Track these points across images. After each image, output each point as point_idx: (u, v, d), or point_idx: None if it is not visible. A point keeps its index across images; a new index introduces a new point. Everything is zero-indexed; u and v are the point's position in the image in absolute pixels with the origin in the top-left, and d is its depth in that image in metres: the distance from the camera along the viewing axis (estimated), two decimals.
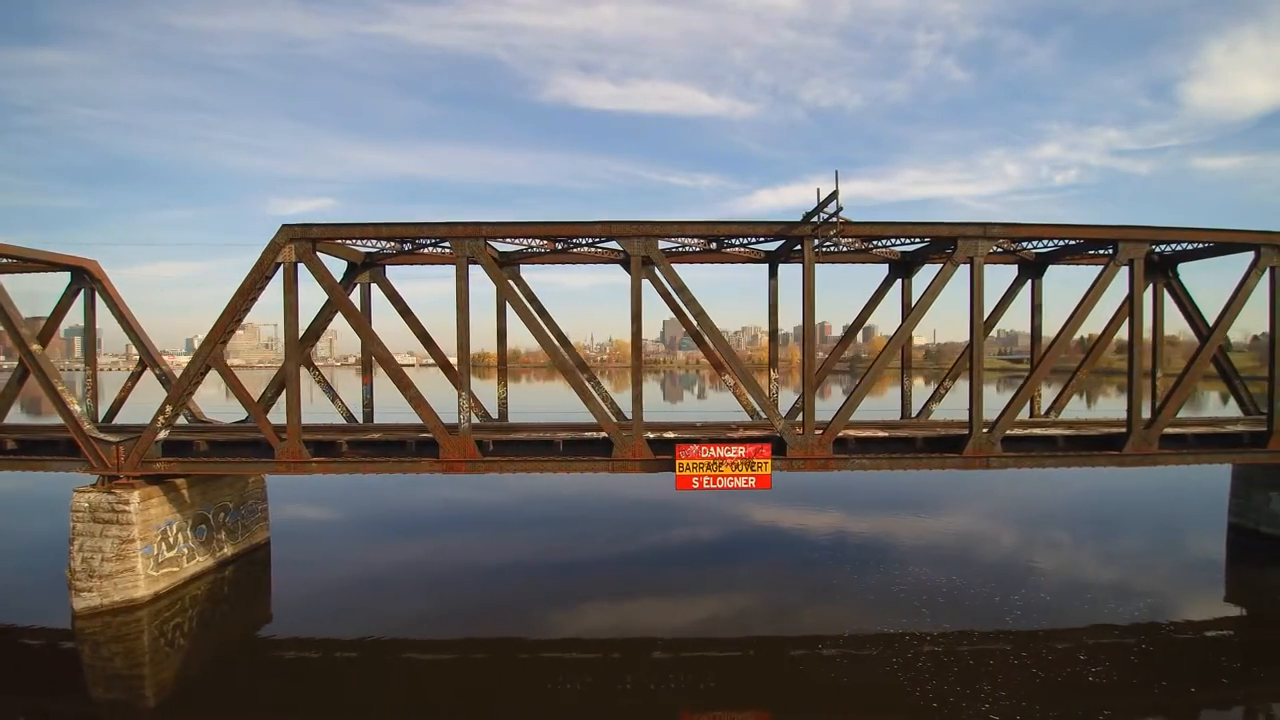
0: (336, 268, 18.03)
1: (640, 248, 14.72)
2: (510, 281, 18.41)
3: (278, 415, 15.97)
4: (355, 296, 18.27)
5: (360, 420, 18.51)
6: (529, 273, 19.52)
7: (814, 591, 15.94)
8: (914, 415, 18.83)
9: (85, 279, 19.19)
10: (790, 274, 27.03)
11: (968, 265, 15.16)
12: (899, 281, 18.70)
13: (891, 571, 16.88)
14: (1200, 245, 17.42)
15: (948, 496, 25.76)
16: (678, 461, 14.69)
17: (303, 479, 17.54)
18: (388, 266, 18.39)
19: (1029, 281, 18.91)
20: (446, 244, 16.23)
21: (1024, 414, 19.59)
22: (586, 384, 14.86)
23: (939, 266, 15.11)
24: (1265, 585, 16.94)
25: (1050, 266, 19.28)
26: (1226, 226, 16.18)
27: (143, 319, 19.47)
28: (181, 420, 18.83)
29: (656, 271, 18.27)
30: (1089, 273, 19.56)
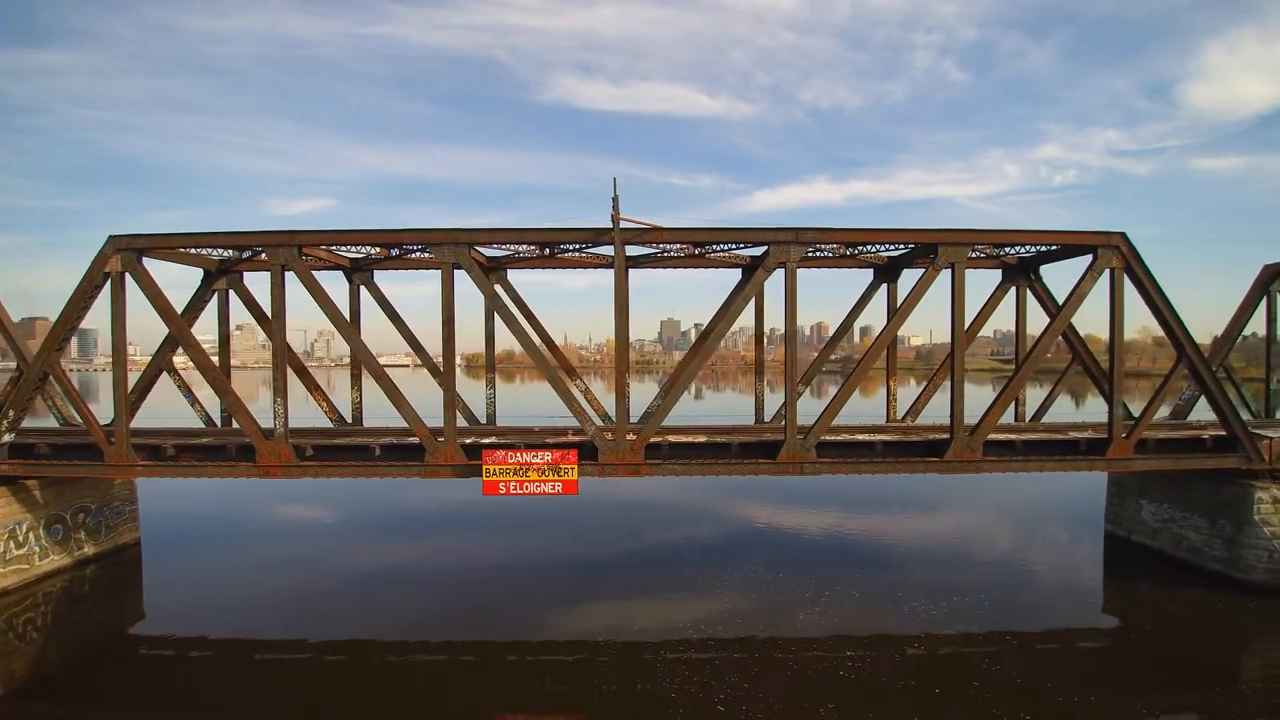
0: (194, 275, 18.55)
1: (450, 255, 14.85)
2: (360, 286, 18.78)
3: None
4: (214, 303, 18.71)
5: (219, 424, 18.94)
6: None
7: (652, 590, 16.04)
8: (767, 420, 18.68)
9: None
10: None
11: (782, 270, 15.03)
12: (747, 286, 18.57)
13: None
14: (1052, 247, 17.01)
15: (927, 498, 25.74)
16: (484, 467, 14.81)
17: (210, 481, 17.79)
18: (245, 274, 18.77)
19: (884, 286, 18.61)
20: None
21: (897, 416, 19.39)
22: (397, 391, 15.00)
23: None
24: (1134, 596, 16.61)
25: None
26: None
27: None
28: (53, 424, 19.53)
29: (507, 276, 18.52)
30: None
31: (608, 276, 14.83)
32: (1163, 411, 21.17)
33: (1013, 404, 19.74)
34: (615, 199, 13.46)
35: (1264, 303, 20.03)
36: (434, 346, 18.96)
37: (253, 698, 11.84)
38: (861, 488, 26.28)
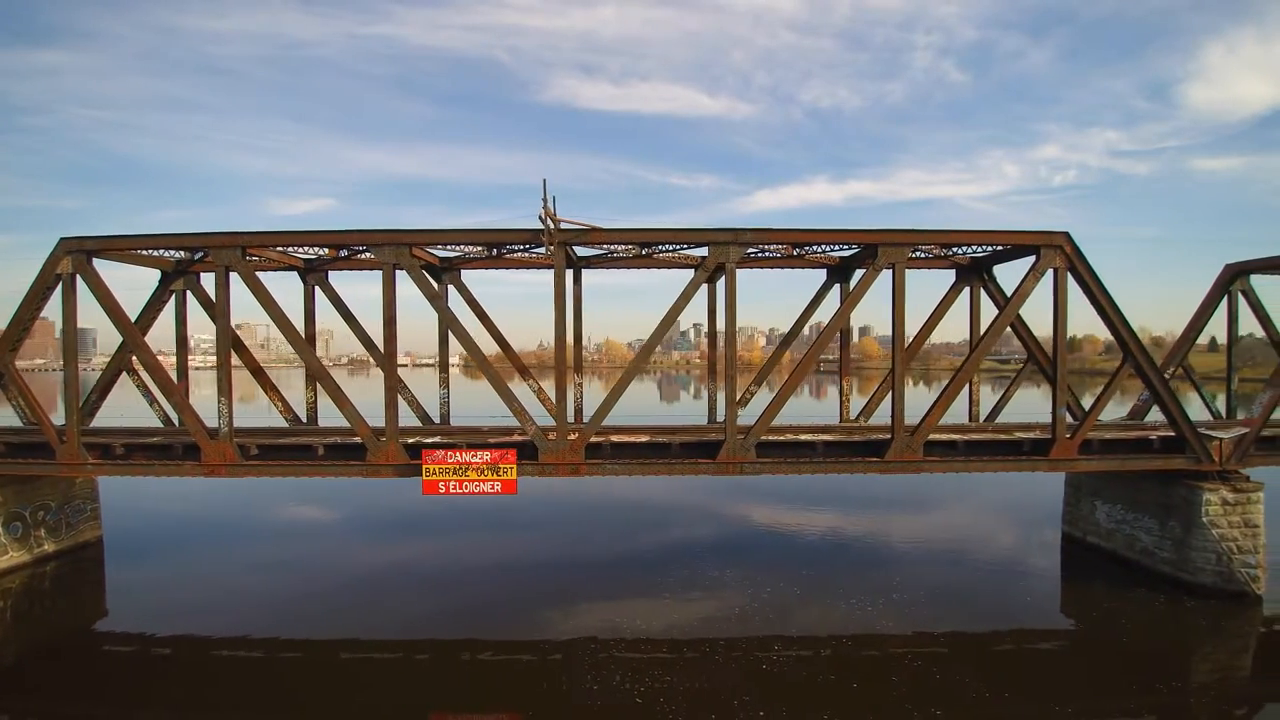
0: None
1: (391, 255, 14.99)
2: (315, 286, 18.94)
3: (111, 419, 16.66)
4: (172, 304, 18.92)
5: (176, 424, 19.13)
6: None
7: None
8: (718, 420, 18.70)
9: None
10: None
11: (722, 271, 15.08)
12: (705, 287, 18.60)
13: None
14: (1002, 248, 16.94)
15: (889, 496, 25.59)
16: (424, 466, 14.93)
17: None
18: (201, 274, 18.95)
19: (837, 286, 18.60)
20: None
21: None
22: (339, 390, 15.16)
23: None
24: (1078, 597, 16.54)
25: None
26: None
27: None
28: (16, 423, 19.80)
29: (460, 277, 18.65)
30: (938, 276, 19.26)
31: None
32: (1121, 412, 21.17)
33: (968, 405, 19.78)
34: (545, 200, 13.54)
35: (1225, 303, 19.87)
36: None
37: (215, 694, 12.01)
38: (838, 486, 26.32)
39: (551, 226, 13.94)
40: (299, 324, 18.97)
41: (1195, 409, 21.27)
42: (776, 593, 15.84)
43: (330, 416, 19.52)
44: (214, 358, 16.02)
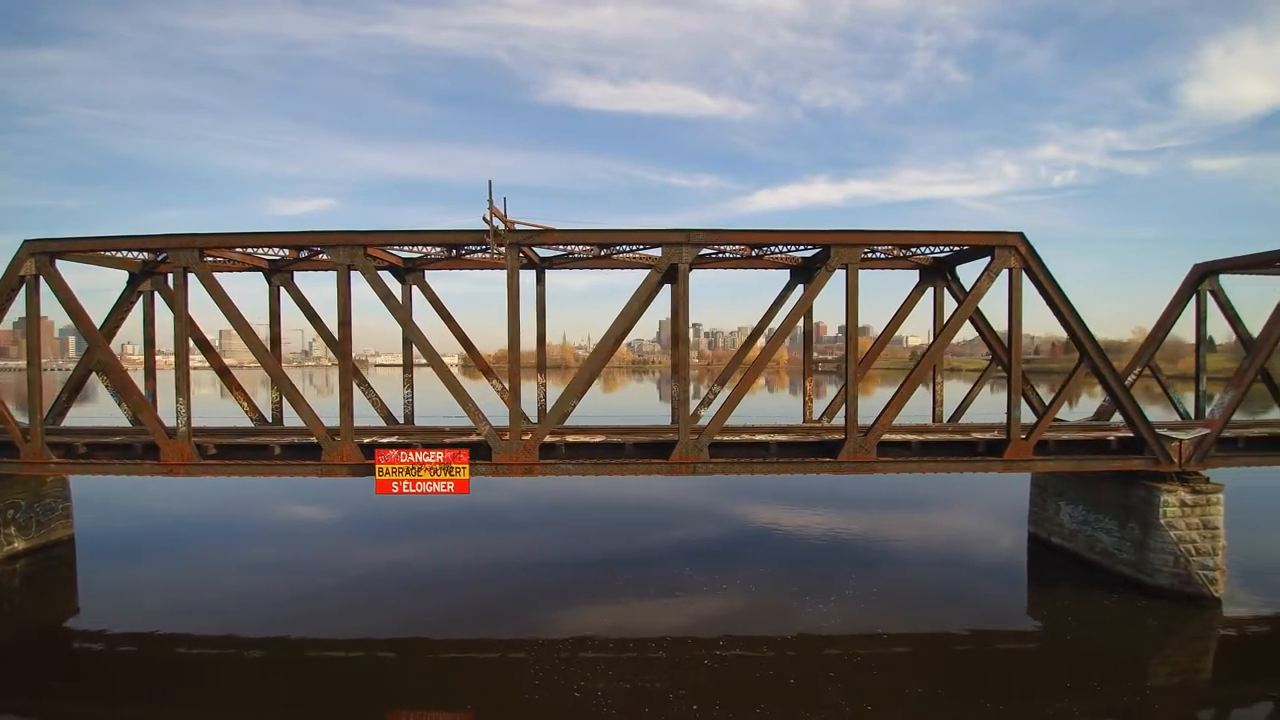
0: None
1: (345, 256, 15.11)
2: (280, 287, 19.10)
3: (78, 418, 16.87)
4: (140, 304, 19.12)
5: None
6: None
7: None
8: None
9: None
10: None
11: (676, 271, 15.11)
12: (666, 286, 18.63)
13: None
14: (963, 248, 16.91)
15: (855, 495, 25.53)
16: (377, 466, 15.04)
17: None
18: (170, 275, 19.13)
19: (799, 286, 18.59)
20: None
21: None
22: (295, 390, 15.31)
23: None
24: (1035, 599, 16.47)
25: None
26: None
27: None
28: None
29: (424, 278, 18.78)
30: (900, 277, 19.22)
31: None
32: (1089, 412, 21.07)
33: (932, 405, 19.76)
34: (490, 201, 13.63)
35: (1193, 303, 19.75)
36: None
37: (184, 690, 12.06)
38: (811, 487, 26.09)
39: (500, 228, 14.02)
40: (270, 325, 19.27)
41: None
42: (731, 590, 15.88)
43: (296, 417, 19.72)
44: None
